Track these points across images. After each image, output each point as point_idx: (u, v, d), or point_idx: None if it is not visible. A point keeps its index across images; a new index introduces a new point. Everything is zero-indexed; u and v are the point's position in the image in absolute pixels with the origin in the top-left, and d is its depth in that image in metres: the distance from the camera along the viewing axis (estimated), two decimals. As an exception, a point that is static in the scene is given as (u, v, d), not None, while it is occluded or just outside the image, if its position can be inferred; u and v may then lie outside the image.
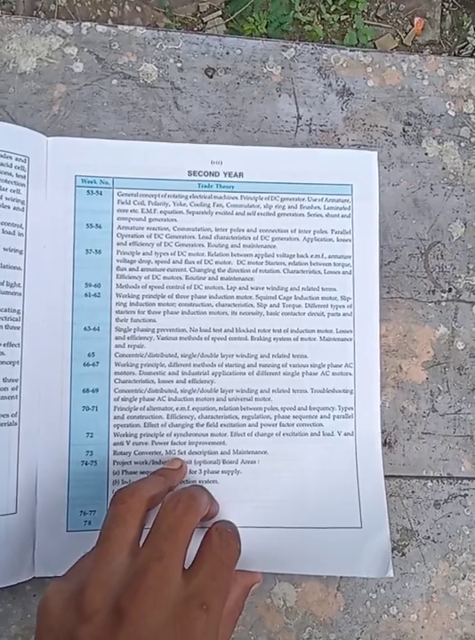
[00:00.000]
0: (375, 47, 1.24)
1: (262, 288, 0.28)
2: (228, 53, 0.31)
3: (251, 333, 0.28)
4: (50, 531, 0.25)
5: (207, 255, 0.28)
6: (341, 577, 0.29)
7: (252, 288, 0.28)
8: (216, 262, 0.28)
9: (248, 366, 0.27)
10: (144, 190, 0.28)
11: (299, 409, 0.28)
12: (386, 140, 0.31)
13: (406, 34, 1.30)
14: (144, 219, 0.28)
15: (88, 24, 0.30)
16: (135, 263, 0.27)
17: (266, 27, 1.22)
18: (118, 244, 0.27)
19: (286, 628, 0.29)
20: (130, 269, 0.27)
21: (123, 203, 0.28)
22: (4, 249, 0.25)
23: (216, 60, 0.31)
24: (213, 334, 0.27)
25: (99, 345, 0.27)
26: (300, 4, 1.21)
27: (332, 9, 1.24)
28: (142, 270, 0.27)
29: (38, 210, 0.26)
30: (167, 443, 0.27)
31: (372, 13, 1.30)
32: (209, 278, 0.28)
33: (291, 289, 0.28)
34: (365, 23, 1.25)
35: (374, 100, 0.31)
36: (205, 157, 0.29)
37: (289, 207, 0.28)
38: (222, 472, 0.27)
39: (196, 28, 1.24)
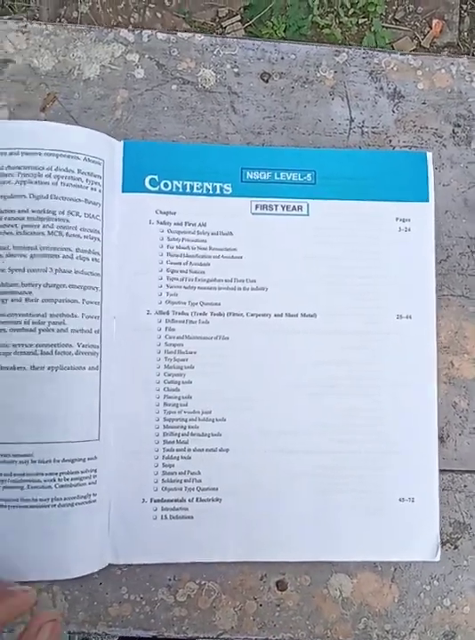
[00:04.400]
0: (393, 49, 1.24)
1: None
2: (282, 58, 0.32)
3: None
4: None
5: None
6: (394, 569, 0.30)
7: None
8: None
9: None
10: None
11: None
12: (436, 142, 0.32)
13: (424, 36, 1.30)
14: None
15: (149, 32, 0.31)
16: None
17: (284, 31, 1.23)
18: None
19: (343, 619, 0.30)
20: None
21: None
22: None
23: (271, 65, 0.32)
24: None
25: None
26: (318, 8, 1.22)
27: (350, 12, 1.25)
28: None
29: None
30: None
31: (390, 16, 1.30)
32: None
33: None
34: (383, 26, 1.25)
35: (424, 103, 0.32)
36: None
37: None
38: None
39: (215, 33, 1.25)
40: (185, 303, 0.27)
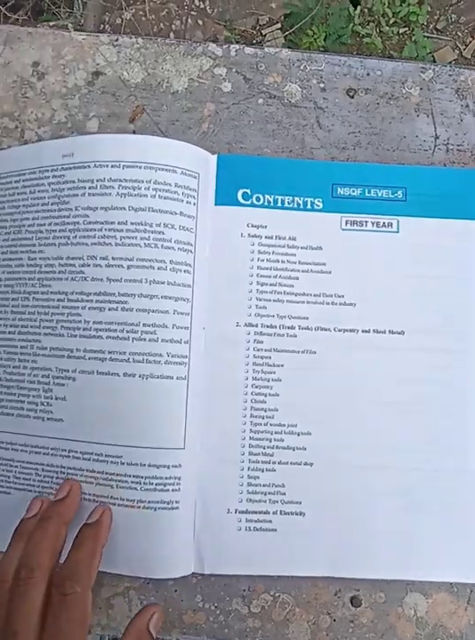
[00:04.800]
0: (434, 60, 1.23)
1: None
2: (368, 74, 0.32)
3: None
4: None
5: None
6: (471, 591, 0.29)
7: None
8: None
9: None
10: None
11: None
12: (521, 160, 0.32)
13: (466, 46, 1.29)
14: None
15: (237, 46, 0.32)
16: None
17: (324, 39, 1.23)
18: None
19: (417, 638, 0.29)
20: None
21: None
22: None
23: (357, 81, 0.32)
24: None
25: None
26: (359, 17, 1.22)
27: (391, 22, 1.24)
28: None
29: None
30: None
31: (431, 26, 1.30)
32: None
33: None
34: (424, 36, 1.24)
35: (510, 121, 0.32)
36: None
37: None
38: None
39: (254, 41, 1.26)
40: (274, 316, 0.28)
